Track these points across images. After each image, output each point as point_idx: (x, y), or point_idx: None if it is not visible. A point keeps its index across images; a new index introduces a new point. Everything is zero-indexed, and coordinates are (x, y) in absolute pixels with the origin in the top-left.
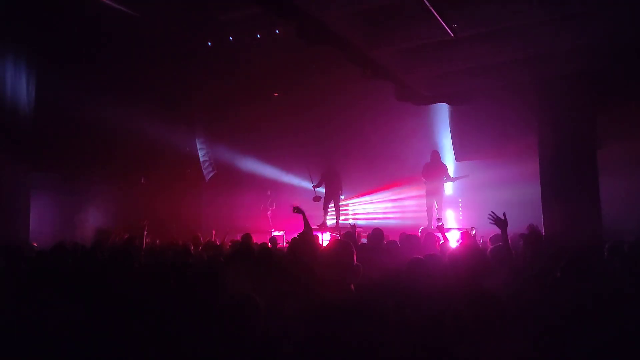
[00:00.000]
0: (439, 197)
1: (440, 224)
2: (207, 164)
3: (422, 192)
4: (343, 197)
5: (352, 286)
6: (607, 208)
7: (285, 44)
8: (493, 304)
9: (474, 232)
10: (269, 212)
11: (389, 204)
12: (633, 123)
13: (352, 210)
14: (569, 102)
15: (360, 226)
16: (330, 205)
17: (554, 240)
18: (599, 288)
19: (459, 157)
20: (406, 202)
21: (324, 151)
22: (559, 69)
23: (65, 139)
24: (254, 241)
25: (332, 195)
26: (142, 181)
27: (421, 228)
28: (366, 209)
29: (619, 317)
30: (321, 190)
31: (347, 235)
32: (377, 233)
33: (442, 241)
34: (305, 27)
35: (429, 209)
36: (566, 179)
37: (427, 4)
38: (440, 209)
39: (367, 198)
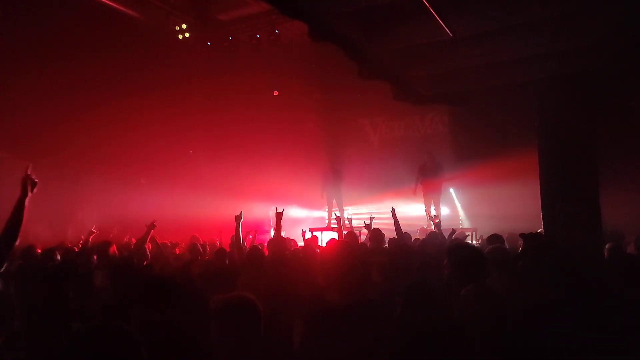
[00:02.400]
0: (435, 196)
1: (437, 221)
2: None
3: (420, 191)
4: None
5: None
6: (608, 209)
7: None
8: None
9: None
10: (269, 212)
11: (386, 203)
12: (633, 123)
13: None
14: (568, 102)
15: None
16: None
17: (554, 241)
18: (599, 289)
19: (457, 157)
20: (404, 201)
21: (324, 152)
22: (558, 69)
23: (65, 138)
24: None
25: (334, 196)
26: (142, 181)
27: (419, 228)
28: (363, 209)
29: (619, 319)
30: None
31: (350, 236)
32: (377, 234)
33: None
34: (312, 26)
35: (427, 209)
36: (566, 179)
37: (426, 3)
38: (437, 209)
39: (364, 197)
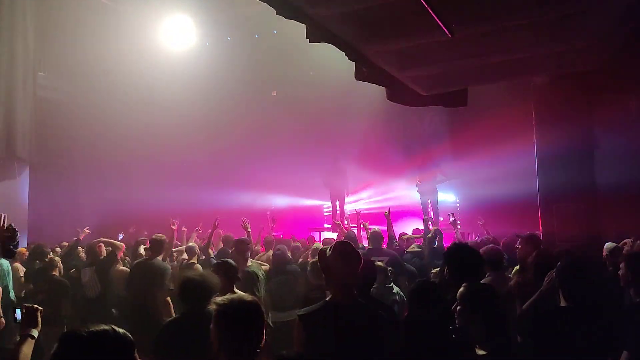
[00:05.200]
0: (432, 196)
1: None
2: None
3: (416, 191)
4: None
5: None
6: (606, 209)
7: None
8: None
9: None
10: (268, 212)
11: (384, 203)
12: (632, 123)
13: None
14: (567, 102)
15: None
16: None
17: (552, 241)
18: (598, 289)
19: (457, 157)
20: (402, 201)
21: (326, 150)
22: (559, 69)
23: (65, 138)
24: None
25: (337, 195)
26: (142, 182)
27: (414, 229)
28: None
29: (618, 318)
30: None
31: (349, 238)
32: (376, 235)
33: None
34: (310, 27)
35: (424, 209)
36: (564, 179)
37: (424, 4)
38: (434, 209)
39: (363, 196)
